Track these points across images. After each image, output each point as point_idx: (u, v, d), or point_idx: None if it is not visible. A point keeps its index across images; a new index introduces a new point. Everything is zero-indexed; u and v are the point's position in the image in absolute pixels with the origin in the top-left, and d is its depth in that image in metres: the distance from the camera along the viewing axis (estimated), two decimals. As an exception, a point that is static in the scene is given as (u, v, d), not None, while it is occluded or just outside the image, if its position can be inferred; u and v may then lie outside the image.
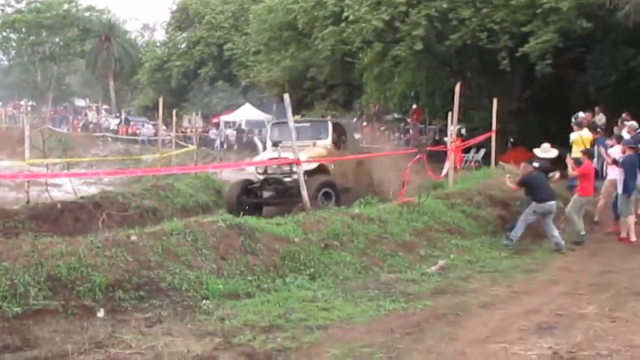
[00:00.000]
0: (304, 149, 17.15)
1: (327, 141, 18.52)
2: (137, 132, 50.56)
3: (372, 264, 11.20)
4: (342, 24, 27.57)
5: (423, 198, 14.08)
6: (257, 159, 19.03)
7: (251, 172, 18.93)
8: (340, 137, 19.31)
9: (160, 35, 78.45)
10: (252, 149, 38.25)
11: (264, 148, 19.14)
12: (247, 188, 18.01)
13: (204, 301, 8.90)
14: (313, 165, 17.11)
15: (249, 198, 17.79)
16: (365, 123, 36.49)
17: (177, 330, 7.86)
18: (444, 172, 17.40)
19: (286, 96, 13.20)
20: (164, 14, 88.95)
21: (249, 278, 9.73)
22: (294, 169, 15.95)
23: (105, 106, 70.71)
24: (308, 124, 19.29)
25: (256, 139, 19.20)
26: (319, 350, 7.16)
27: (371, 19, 26.18)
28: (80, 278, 8.48)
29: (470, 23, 24.80)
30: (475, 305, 8.90)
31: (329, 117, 22.21)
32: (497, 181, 16.43)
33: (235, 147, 43.14)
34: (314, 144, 18.18)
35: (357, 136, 36.28)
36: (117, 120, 58.98)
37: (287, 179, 17.24)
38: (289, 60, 38.47)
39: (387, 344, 7.25)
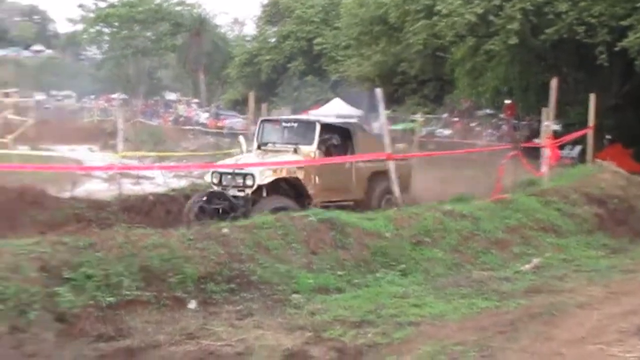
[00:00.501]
0: (271, 157, 14.84)
1: (312, 147, 14.78)
2: (223, 124, 51.00)
3: (464, 261, 11.04)
4: (434, 18, 27.34)
5: (517, 195, 13.82)
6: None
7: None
8: (342, 142, 15.59)
9: (250, 30, 79.34)
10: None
11: (248, 150, 15.59)
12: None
13: (294, 295, 8.90)
14: (269, 179, 13.92)
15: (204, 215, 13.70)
16: (456, 119, 36.15)
17: (268, 323, 7.87)
18: (543, 168, 16.99)
19: (378, 90, 13.10)
20: (254, 8, 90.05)
21: (340, 273, 9.69)
22: (248, 182, 13.78)
23: (195, 100, 71.71)
24: (295, 124, 15.65)
25: (241, 138, 15.84)
26: (410, 346, 7.06)
27: (464, 12, 25.88)
28: (172, 269, 8.57)
29: (567, 17, 24.27)
30: (572, 305, 8.62)
31: (316, 116, 18.88)
32: (595, 179, 16.01)
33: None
34: (295, 150, 14.65)
35: (447, 132, 36.25)
36: (207, 114, 59.73)
37: (240, 194, 13.78)
38: (379, 54, 38.28)
39: (479, 342, 7.08)
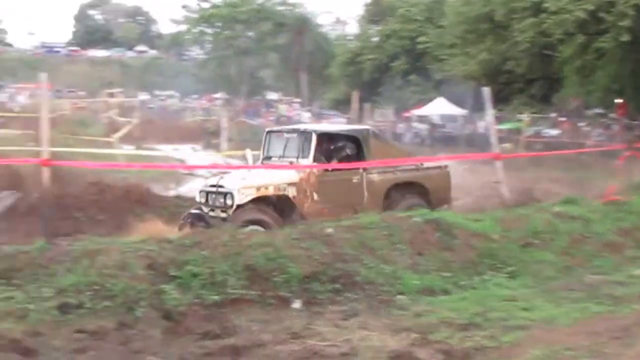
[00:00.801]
0: (260, 173, 13.45)
1: (307, 161, 13.05)
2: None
3: (575, 264, 10.71)
4: (542, 15, 26.95)
5: (631, 197, 13.36)
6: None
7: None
8: (357, 152, 13.65)
9: (352, 29, 79.34)
10: (447, 143, 37.85)
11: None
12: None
13: (400, 296, 8.80)
14: (248, 198, 12.36)
15: None
16: (564, 118, 35.38)
17: (373, 324, 7.79)
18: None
19: (486, 89, 12.85)
20: (357, 7, 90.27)
21: (445, 274, 9.53)
22: (228, 201, 12.30)
23: (297, 100, 72.14)
24: (295, 135, 13.81)
25: (247, 152, 13.85)
26: (519, 350, 6.85)
27: (574, 9, 25.41)
28: (276, 269, 8.62)
29: (683, 13, 23.52)
30: (691, 312, 8.28)
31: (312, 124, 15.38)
32: None
33: (428, 141, 42.83)
34: (291, 164, 13.25)
35: (554, 132, 35.47)
36: (309, 114, 60.06)
37: (223, 215, 12.42)
38: (485, 53, 37.85)
39: (592, 347, 6.83)
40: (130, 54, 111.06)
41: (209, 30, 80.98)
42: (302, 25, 73.86)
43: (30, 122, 26.37)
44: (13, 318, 7.28)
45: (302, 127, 14.21)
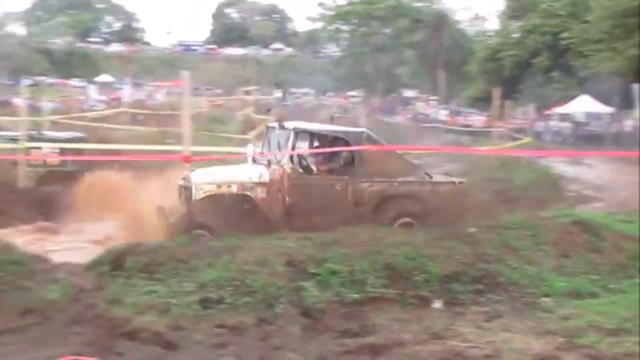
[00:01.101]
0: (223, 167, 12.65)
1: (284, 159, 11.90)
2: (469, 122, 50.33)
3: None
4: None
5: None
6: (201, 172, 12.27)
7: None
8: (352, 157, 12.23)
9: (491, 25, 77.94)
10: (590, 141, 36.64)
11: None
12: None
13: (544, 298, 8.58)
14: (204, 194, 11.52)
15: None
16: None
17: (516, 326, 7.60)
18: None
19: (636, 86, 12.34)
20: (496, 3, 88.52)
21: (593, 277, 9.25)
22: (188, 196, 11.70)
23: (433, 97, 71.54)
24: (281, 132, 12.51)
25: (249, 147, 12.37)
26: (672, 357, 6.56)
27: None
28: (417, 268, 8.58)
29: None
30: None
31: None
32: None
33: (570, 140, 41.58)
34: (269, 162, 12.10)
35: None
36: (446, 112, 59.53)
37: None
38: (634, 48, 36.50)
39: None
40: (265, 51, 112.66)
41: (345, 28, 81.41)
42: (440, 22, 73.20)
43: (167, 119, 27.23)
44: (156, 312, 7.50)
45: (286, 123, 12.84)
